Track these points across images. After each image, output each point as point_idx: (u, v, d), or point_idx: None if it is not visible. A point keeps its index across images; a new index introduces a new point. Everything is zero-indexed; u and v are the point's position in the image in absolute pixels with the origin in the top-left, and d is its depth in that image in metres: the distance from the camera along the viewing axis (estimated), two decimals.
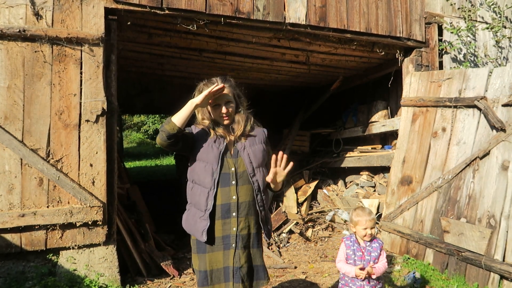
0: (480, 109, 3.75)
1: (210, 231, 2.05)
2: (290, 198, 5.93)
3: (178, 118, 1.98)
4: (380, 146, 6.19)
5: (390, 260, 4.17)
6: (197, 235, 2.08)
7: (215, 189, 2.04)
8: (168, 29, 4.09)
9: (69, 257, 3.33)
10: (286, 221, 5.37)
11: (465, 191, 3.75)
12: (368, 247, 2.56)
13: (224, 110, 2.11)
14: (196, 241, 2.13)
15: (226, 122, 2.15)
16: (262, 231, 2.20)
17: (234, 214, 2.06)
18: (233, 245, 2.06)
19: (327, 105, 7.71)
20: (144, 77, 7.08)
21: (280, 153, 2.02)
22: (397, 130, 4.88)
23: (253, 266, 2.14)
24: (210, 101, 2.10)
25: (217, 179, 2.04)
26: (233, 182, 2.07)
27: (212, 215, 2.05)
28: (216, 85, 2.06)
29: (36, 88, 3.21)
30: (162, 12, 3.62)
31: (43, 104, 3.23)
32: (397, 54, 4.91)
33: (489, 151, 3.59)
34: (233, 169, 2.08)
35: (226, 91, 2.11)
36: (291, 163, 2.06)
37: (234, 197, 2.06)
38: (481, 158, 3.66)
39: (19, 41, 3.16)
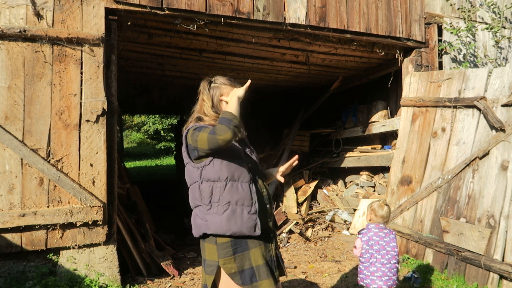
0: (479, 109, 3.76)
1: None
2: (290, 198, 5.94)
3: (238, 114, 1.97)
4: (380, 146, 6.20)
5: None
6: (250, 231, 1.99)
7: (254, 183, 2.07)
8: (168, 29, 4.10)
9: (70, 257, 3.33)
10: (286, 221, 5.38)
11: (464, 191, 3.76)
12: None
13: None
14: (232, 242, 2.00)
15: None
16: None
17: (268, 206, 2.11)
18: (271, 235, 2.12)
19: (327, 105, 7.71)
20: (144, 77, 7.09)
21: (296, 156, 2.11)
22: (397, 130, 4.89)
23: (277, 255, 2.19)
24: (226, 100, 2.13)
25: (251, 173, 2.09)
26: (257, 177, 2.13)
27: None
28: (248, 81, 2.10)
29: (36, 88, 3.22)
30: (162, 12, 3.62)
31: (44, 104, 3.24)
32: (397, 55, 4.92)
33: (489, 151, 3.60)
34: (254, 164, 2.16)
35: None
36: (297, 159, 2.18)
37: (264, 190, 2.12)
38: (480, 158, 3.66)
39: (19, 41, 3.17)
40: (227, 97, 2.13)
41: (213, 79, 2.19)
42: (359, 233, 2.78)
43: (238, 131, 1.90)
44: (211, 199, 2.01)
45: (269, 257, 2.08)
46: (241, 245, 2.01)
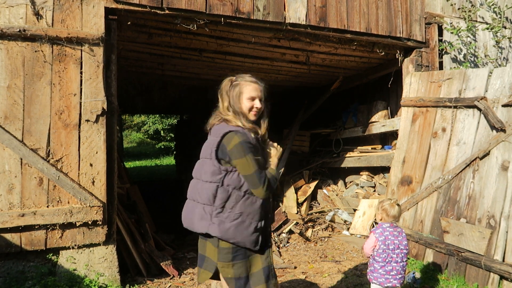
0: (480, 110, 3.75)
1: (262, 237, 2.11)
2: (290, 198, 5.94)
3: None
4: (380, 146, 6.19)
5: None
6: (251, 245, 2.04)
7: (268, 200, 2.15)
8: (168, 29, 4.09)
9: (69, 257, 3.33)
10: (286, 221, 5.37)
11: (465, 191, 3.75)
12: None
13: (258, 105, 2.17)
14: (233, 249, 2.05)
15: (254, 117, 2.19)
16: None
17: (270, 215, 2.19)
18: (270, 240, 2.18)
19: (327, 105, 7.71)
20: (144, 77, 7.08)
21: None
22: (397, 130, 4.88)
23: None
24: (247, 97, 2.15)
25: None
26: None
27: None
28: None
29: (36, 88, 3.21)
30: (162, 12, 3.62)
31: (43, 104, 3.23)
32: (397, 54, 4.91)
33: (489, 151, 3.59)
34: None
35: (261, 89, 2.22)
36: None
37: (270, 199, 2.20)
38: (481, 159, 3.66)
39: (19, 41, 3.16)
40: (247, 95, 2.15)
41: (234, 78, 2.21)
42: (372, 231, 2.78)
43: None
44: (225, 204, 2.03)
45: (267, 263, 2.09)
46: (240, 253, 2.05)
